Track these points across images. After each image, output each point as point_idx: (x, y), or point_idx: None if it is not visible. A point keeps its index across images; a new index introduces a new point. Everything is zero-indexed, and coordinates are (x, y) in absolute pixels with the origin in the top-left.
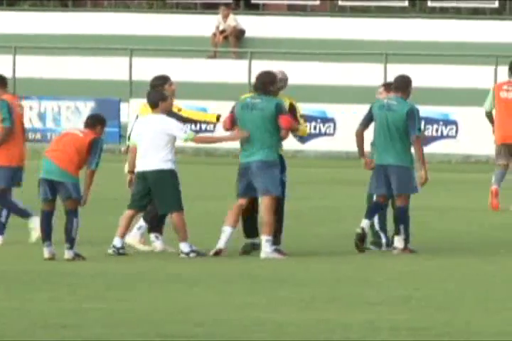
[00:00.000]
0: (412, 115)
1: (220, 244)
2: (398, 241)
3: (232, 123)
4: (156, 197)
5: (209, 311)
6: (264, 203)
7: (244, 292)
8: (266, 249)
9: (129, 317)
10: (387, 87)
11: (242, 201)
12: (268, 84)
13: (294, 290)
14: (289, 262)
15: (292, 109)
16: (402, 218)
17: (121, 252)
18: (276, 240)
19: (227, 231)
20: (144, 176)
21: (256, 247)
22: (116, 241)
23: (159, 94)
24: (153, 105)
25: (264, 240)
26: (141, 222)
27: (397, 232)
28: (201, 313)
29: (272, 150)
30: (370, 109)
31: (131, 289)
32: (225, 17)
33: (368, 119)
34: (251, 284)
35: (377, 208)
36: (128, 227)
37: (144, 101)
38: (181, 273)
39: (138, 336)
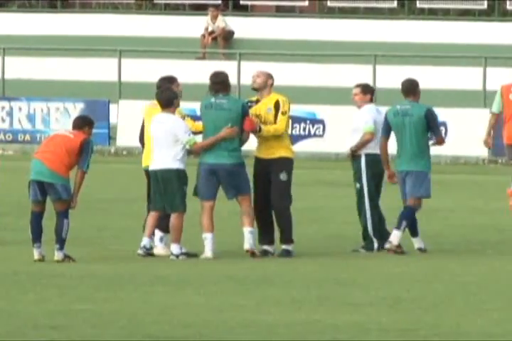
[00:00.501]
0: (432, 116)
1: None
2: (395, 236)
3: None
4: (163, 196)
5: (197, 312)
6: (246, 203)
7: (233, 293)
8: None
9: (117, 318)
10: (364, 89)
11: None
12: (228, 83)
13: (282, 291)
14: (277, 263)
15: (277, 106)
16: (407, 216)
17: (150, 253)
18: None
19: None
20: (155, 175)
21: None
22: (146, 242)
23: (171, 92)
24: (167, 104)
25: (248, 231)
26: (159, 233)
27: (398, 226)
28: (189, 314)
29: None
30: (386, 117)
31: (120, 290)
32: (214, 18)
33: (386, 128)
34: (239, 285)
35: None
36: (154, 227)
37: (145, 103)
38: (169, 274)
39: (126, 337)
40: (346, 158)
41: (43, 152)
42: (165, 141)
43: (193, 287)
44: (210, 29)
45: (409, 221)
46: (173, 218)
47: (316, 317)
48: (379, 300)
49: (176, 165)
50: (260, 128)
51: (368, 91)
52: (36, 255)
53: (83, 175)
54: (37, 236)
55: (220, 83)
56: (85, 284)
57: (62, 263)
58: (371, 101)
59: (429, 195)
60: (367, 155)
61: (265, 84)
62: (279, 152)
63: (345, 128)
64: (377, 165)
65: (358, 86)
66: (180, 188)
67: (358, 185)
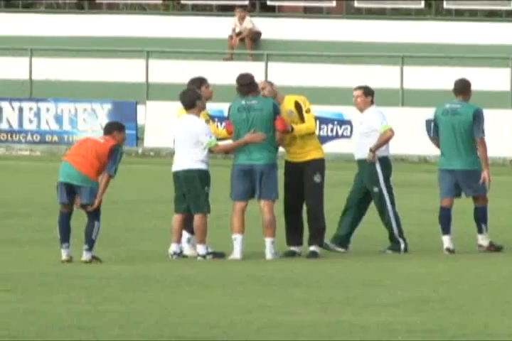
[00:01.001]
0: (479, 117)
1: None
2: (482, 240)
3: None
4: (186, 197)
5: (224, 313)
6: (268, 209)
7: (259, 294)
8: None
9: (144, 319)
10: (366, 91)
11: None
12: (255, 84)
13: (308, 292)
14: (303, 264)
15: (298, 107)
16: (483, 217)
17: (182, 256)
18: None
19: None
20: (177, 176)
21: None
22: (175, 248)
23: (194, 93)
24: (190, 105)
25: (270, 242)
26: (186, 234)
27: (479, 231)
28: (216, 315)
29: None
30: (435, 115)
31: (147, 291)
32: (241, 19)
33: (436, 126)
34: (266, 286)
35: (447, 216)
36: (180, 231)
37: (173, 104)
38: (196, 275)
39: (153, 337)
40: (369, 161)
41: (73, 155)
42: (186, 142)
43: (219, 288)
44: (237, 30)
45: (486, 221)
46: (197, 219)
47: (342, 318)
48: (406, 301)
49: (197, 165)
50: (292, 128)
51: (369, 93)
52: (64, 256)
53: (109, 179)
54: (65, 236)
55: (247, 85)
56: (112, 285)
57: (89, 264)
58: (372, 103)
59: (487, 190)
60: (381, 159)
61: (274, 92)
62: (310, 154)
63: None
64: (390, 167)
65: (359, 88)
66: (202, 189)
67: (375, 189)
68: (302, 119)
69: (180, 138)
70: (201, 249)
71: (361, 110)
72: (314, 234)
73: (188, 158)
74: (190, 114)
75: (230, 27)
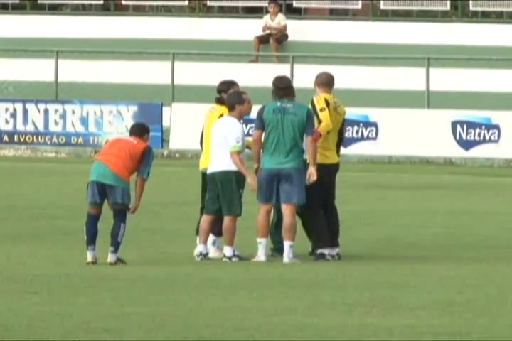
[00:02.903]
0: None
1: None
2: None
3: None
4: (220, 198)
5: (249, 315)
6: (290, 213)
7: (284, 296)
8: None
9: (170, 321)
10: None
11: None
12: (292, 88)
13: (334, 294)
14: (328, 267)
15: (313, 107)
16: None
17: (208, 257)
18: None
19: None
20: (213, 177)
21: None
22: (202, 248)
23: (237, 96)
24: (230, 107)
25: (288, 245)
26: (212, 237)
27: None
28: (242, 318)
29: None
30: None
31: (172, 293)
32: (274, 14)
33: None
34: (291, 289)
35: None
36: (208, 233)
37: (200, 106)
38: (222, 277)
39: (179, 339)
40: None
41: (106, 154)
42: (221, 143)
43: (245, 290)
44: (269, 24)
45: None
46: (228, 220)
47: (368, 321)
48: (431, 303)
49: (234, 167)
50: (321, 134)
51: None
52: (90, 257)
53: (144, 183)
54: (92, 238)
55: (285, 88)
56: (138, 287)
57: (114, 266)
58: None
59: None
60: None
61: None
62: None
63: (398, 131)
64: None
65: None
66: (238, 191)
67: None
68: (318, 119)
69: (218, 139)
70: (228, 251)
71: None
72: (336, 234)
73: (224, 160)
74: (229, 115)
75: (255, 29)
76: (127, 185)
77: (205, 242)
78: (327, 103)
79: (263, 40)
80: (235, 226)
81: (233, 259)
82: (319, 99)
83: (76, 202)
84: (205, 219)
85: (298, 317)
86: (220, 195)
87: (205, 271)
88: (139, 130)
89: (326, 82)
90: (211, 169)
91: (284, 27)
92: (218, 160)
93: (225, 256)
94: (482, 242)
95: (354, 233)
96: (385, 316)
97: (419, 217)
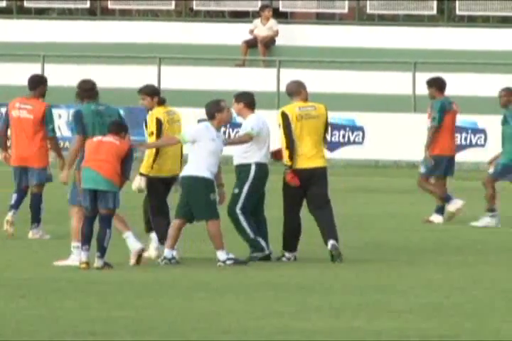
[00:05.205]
0: None
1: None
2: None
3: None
4: (190, 204)
5: (236, 319)
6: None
7: (272, 300)
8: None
9: (157, 325)
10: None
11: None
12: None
13: (321, 298)
14: (316, 270)
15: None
16: None
17: (173, 262)
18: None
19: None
20: (182, 182)
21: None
22: (167, 253)
23: (215, 104)
24: (209, 116)
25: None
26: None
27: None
28: (229, 321)
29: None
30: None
31: (160, 297)
32: (266, 20)
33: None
34: (279, 292)
35: None
36: (177, 238)
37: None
38: (209, 281)
39: None
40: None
41: (94, 160)
42: (191, 148)
43: (233, 293)
44: (256, 32)
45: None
46: (209, 226)
47: (356, 324)
48: (419, 307)
49: (201, 173)
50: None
51: None
52: (84, 258)
53: (125, 182)
54: (87, 238)
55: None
56: (125, 291)
57: (101, 270)
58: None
59: None
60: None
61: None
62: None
63: (384, 135)
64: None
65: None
66: (206, 196)
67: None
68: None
69: (188, 144)
70: (221, 255)
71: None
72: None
73: (194, 165)
74: (210, 124)
75: (242, 33)
76: (118, 189)
77: (171, 247)
78: (286, 117)
79: (251, 44)
80: (219, 229)
81: (228, 262)
82: (279, 115)
83: (64, 206)
84: (174, 224)
85: (285, 320)
86: (189, 200)
87: (193, 274)
88: (118, 128)
89: (291, 92)
90: (182, 173)
91: (276, 32)
92: (189, 166)
93: (219, 260)
94: (470, 246)
95: (342, 237)
96: (373, 320)
97: (407, 220)
